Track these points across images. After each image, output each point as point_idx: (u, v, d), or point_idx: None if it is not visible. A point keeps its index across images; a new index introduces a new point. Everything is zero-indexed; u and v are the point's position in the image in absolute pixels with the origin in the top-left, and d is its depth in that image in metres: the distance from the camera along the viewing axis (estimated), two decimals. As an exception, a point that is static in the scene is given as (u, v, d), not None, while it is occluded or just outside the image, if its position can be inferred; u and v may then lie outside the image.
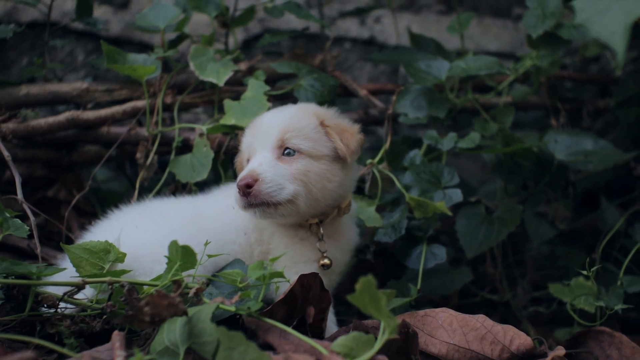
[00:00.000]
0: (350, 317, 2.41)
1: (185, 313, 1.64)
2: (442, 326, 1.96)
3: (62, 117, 2.72)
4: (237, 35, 3.22)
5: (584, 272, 2.25)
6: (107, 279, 1.82)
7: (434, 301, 2.74)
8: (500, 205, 2.73)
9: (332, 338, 1.80)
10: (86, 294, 1.92)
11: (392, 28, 3.66)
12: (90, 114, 2.75)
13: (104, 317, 1.84)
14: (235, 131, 2.56)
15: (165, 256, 1.82)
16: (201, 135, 2.57)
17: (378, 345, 1.54)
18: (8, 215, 1.99)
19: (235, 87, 2.82)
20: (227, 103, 2.61)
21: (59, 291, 1.86)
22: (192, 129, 2.68)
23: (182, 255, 1.81)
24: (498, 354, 1.90)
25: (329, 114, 2.22)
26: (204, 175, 2.50)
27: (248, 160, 2.16)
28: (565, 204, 2.82)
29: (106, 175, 3.33)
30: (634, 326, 2.66)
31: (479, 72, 2.71)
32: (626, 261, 2.46)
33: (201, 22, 3.39)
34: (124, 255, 1.93)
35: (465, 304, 2.85)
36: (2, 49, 3.37)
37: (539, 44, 2.81)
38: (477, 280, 2.89)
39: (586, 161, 2.70)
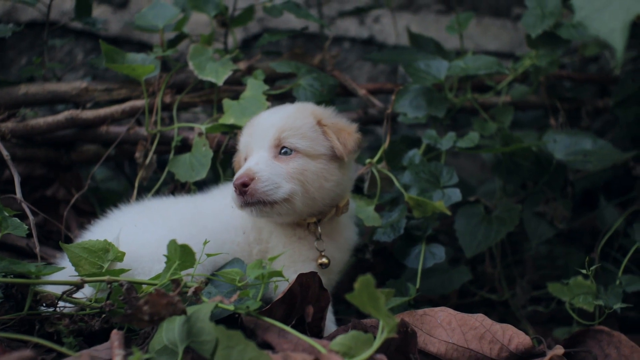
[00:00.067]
0: (349, 316, 2.41)
1: (184, 312, 1.64)
2: (441, 325, 1.97)
3: (61, 116, 2.72)
4: (236, 35, 3.22)
5: (583, 272, 2.25)
6: (106, 278, 1.82)
7: (432, 300, 2.74)
8: (499, 204, 2.73)
9: (331, 337, 1.80)
10: (85, 293, 1.92)
11: (391, 28, 3.66)
12: (89, 114, 2.75)
13: (103, 316, 1.84)
14: (234, 130, 2.56)
15: (164, 255, 1.82)
16: (200, 134, 2.57)
17: (377, 344, 1.54)
18: (7, 214, 1.99)
19: (234, 86, 2.82)
20: (226, 102, 2.61)
21: (57, 290, 1.86)
22: (191, 129, 2.68)
23: (180, 255, 1.81)
24: (497, 353, 1.90)
25: (327, 113, 2.22)
26: (203, 174, 2.50)
27: (245, 160, 2.16)
28: (564, 204, 2.82)
29: (105, 175, 3.33)
30: (632, 325, 2.66)
31: (478, 72, 2.71)
32: (625, 260, 2.46)
33: (200, 21, 3.39)
34: (123, 254, 1.94)
35: (464, 303, 2.85)
36: (1, 48, 3.37)
37: (538, 43, 2.81)
38: (476, 279, 2.89)
39: (585, 161, 2.70)
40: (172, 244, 1.80)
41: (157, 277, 1.86)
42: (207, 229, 2.09)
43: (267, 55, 3.11)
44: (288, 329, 1.72)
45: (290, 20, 3.54)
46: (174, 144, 2.64)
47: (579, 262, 2.63)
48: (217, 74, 2.66)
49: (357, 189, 2.58)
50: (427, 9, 3.80)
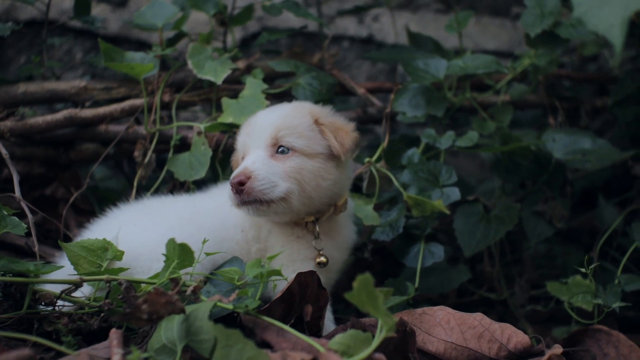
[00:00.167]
0: (348, 315, 2.41)
1: (182, 311, 1.64)
2: (440, 324, 1.97)
3: (60, 115, 2.72)
4: (235, 34, 3.22)
5: (582, 271, 2.25)
6: (104, 276, 1.82)
7: (431, 299, 2.75)
8: (498, 203, 2.73)
9: (330, 336, 1.80)
10: (84, 292, 1.92)
11: (390, 27, 3.66)
12: (88, 112, 2.74)
13: (102, 314, 1.84)
14: (233, 129, 2.56)
15: (163, 254, 1.82)
16: (199, 133, 2.57)
17: (375, 343, 1.54)
18: (6, 212, 1.99)
19: (233, 85, 2.82)
20: (225, 101, 2.61)
21: (56, 289, 1.86)
22: (190, 127, 2.68)
23: (179, 253, 1.81)
24: (495, 352, 1.90)
25: (324, 112, 2.22)
26: (202, 173, 2.50)
27: (243, 158, 2.16)
28: (563, 203, 2.82)
29: (104, 174, 3.32)
30: (631, 324, 2.66)
31: (477, 71, 2.71)
32: (624, 260, 2.46)
33: (199, 20, 3.38)
34: (122, 253, 1.93)
35: (463, 303, 2.85)
36: (0, 47, 3.37)
37: (537, 42, 2.81)
38: (474, 278, 2.89)
39: (584, 160, 2.70)
40: (171, 243, 1.80)
41: (156, 276, 1.86)
42: (206, 227, 2.09)
43: (266, 54, 3.10)
44: (287, 327, 1.72)
45: (289, 19, 3.54)
46: (173, 142, 2.64)
47: (577, 261, 2.63)
48: (216, 72, 2.66)
49: (356, 188, 2.57)
50: (426, 8, 3.80)
